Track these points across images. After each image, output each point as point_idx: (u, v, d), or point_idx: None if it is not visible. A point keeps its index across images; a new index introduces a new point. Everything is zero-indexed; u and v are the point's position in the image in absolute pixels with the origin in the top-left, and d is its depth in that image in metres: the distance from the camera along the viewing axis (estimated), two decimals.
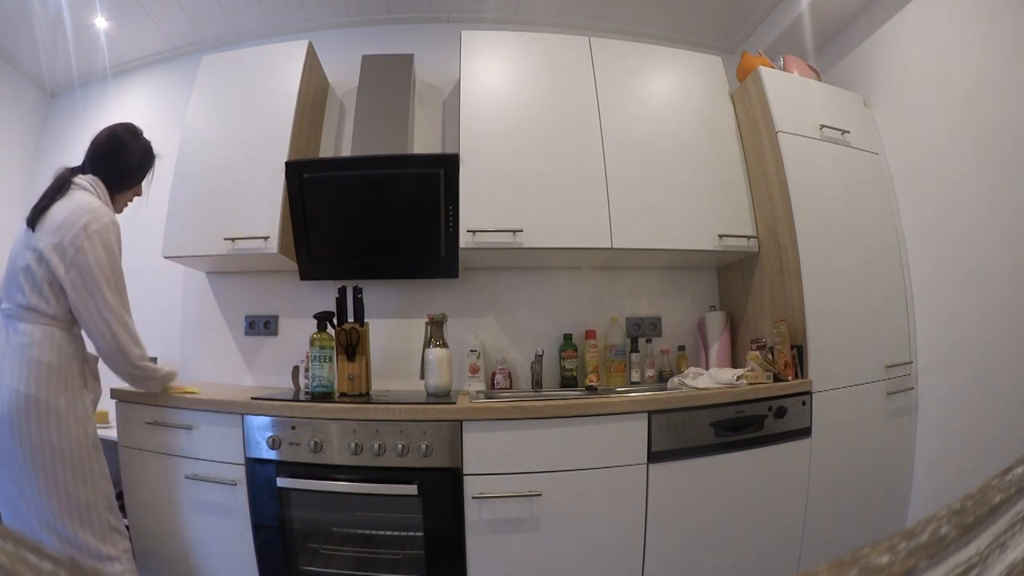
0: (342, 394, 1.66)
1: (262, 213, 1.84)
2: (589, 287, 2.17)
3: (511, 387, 1.99)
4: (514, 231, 1.77)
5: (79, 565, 0.21)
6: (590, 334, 2.04)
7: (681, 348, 2.12)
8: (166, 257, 1.90)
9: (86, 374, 1.32)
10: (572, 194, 1.84)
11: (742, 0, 2.26)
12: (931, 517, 0.25)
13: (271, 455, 1.42)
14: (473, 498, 1.38)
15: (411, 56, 2.12)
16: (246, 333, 2.15)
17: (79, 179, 1.36)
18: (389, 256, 1.94)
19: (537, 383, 1.97)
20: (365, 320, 1.76)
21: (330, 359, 1.66)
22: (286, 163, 1.81)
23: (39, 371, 1.21)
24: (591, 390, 1.90)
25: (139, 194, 1.53)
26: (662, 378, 2.03)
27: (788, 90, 1.93)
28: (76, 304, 1.26)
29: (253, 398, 1.52)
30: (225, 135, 1.95)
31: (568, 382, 2.01)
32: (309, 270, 1.95)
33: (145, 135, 1.52)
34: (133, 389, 1.49)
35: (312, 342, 1.65)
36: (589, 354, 2.02)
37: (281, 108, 1.93)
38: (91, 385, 1.33)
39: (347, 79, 2.26)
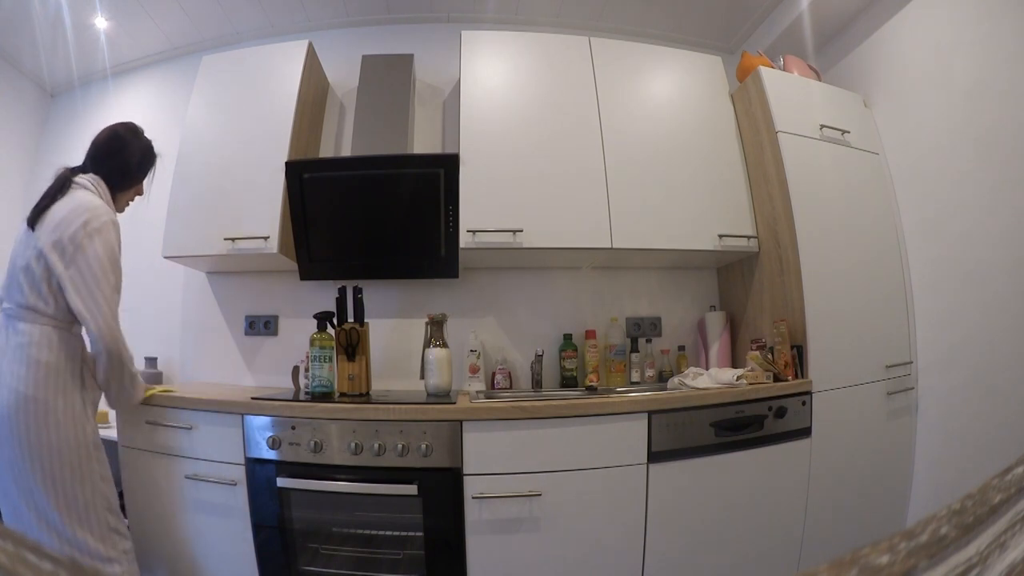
0: (342, 394, 1.66)
1: (262, 213, 1.84)
2: (589, 287, 2.17)
3: (511, 387, 1.99)
4: (514, 231, 1.77)
5: (79, 565, 0.21)
6: (590, 334, 2.04)
7: (681, 348, 2.12)
8: (166, 257, 1.90)
9: (85, 374, 1.31)
10: (572, 194, 1.84)
11: (742, 0, 2.26)
12: (931, 517, 0.25)
13: (271, 455, 1.42)
14: (473, 498, 1.38)
15: (411, 56, 2.12)
16: (246, 333, 2.15)
17: (80, 178, 1.35)
18: (389, 256, 1.94)
19: (537, 383, 1.97)
20: (365, 320, 1.76)
21: (330, 359, 1.66)
22: (286, 163, 1.81)
23: (38, 371, 1.21)
24: (591, 390, 1.90)
25: (140, 193, 1.53)
26: (662, 378, 2.03)
27: (788, 90, 1.93)
28: (75, 301, 1.24)
29: (253, 398, 1.52)
30: (225, 135, 1.95)
31: (568, 382, 2.01)
32: (309, 270, 1.95)
33: (146, 134, 1.52)
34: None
35: (312, 342, 1.65)
36: (589, 354, 2.02)
37: (281, 108, 1.93)
38: (90, 385, 1.33)
39: (347, 79, 2.26)
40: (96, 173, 1.39)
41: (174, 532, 1.50)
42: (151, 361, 2.07)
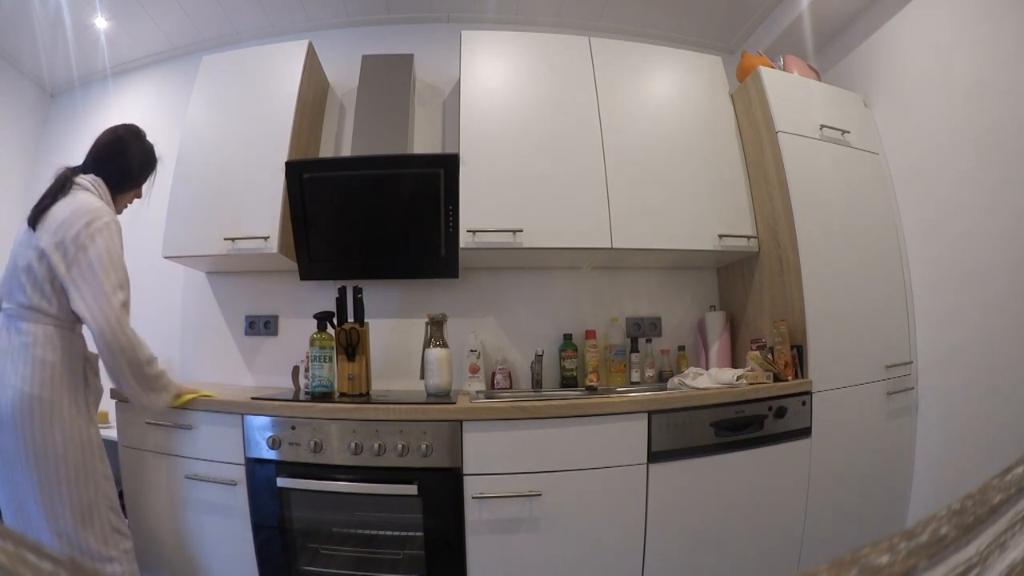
0: (342, 394, 1.66)
1: (262, 213, 1.84)
2: (589, 287, 2.17)
3: (511, 387, 1.99)
4: (514, 231, 1.77)
5: (79, 565, 0.21)
6: (590, 334, 2.04)
7: (681, 348, 2.12)
8: (166, 257, 1.90)
9: (88, 373, 1.32)
10: (572, 194, 1.84)
11: (742, 0, 2.26)
12: (931, 517, 0.25)
13: (271, 455, 1.42)
14: (473, 498, 1.38)
15: (411, 56, 2.12)
16: (246, 333, 2.15)
17: (81, 179, 1.35)
18: (389, 256, 1.94)
19: (537, 383, 1.97)
20: (365, 320, 1.76)
21: (330, 359, 1.66)
22: (286, 163, 1.81)
23: (43, 371, 1.21)
24: (591, 390, 1.90)
25: (139, 196, 1.53)
26: (662, 378, 2.03)
27: (788, 90, 1.93)
28: (78, 303, 1.24)
29: (253, 398, 1.52)
30: (225, 135, 1.95)
31: (568, 382, 2.01)
32: (309, 270, 1.95)
33: (148, 138, 1.51)
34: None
35: (312, 342, 1.65)
36: (589, 354, 2.02)
37: (281, 108, 1.93)
38: (93, 384, 1.33)
39: (347, 79, 2.26)
40: (97, 174, 1.39)
41: (174, 532, 1.50)
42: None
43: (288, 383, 1.92)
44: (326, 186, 1.83)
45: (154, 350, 2.10)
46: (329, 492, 1.41)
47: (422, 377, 1.76)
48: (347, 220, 1.89)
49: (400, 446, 1.38)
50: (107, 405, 1.58)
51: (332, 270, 1.99)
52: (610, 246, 1.82)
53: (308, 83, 2.03)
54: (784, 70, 2.03)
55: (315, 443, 1.40)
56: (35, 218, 1.28)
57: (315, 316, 1.71)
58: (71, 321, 1.28)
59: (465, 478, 1.39)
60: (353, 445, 1.39)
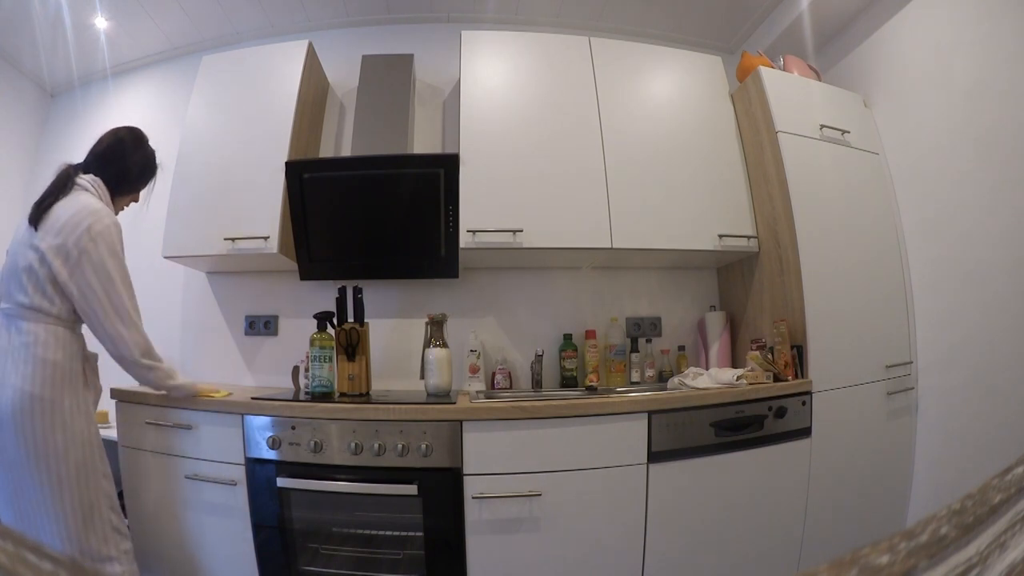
0: (342, 394, 1.66)
1: (262, 213, 1.84)
2: (589, 287, 2.17)
3: (511, 387, 1.99)
4: (514, 231, 1.77)
5: (79, 565, 0.21)
6: (590, 334, 2.04)
7: (681, 348, 2.12)
8: (166, 257, 1.90)
9: (87, 372, 1.32)
10: (572, 194, 1.84)
11: (742, 0, 2.26)
12: (931, 517, 0.25)
13: (271, 455, 1.42)
14: (473, 498, 1.38)
15: (411, 56, 2.12)
16: (246, 333, 2.15)
17: (81, 179, 1.35)
18: (389, 256, 1.94)
19: (537, 383, 1.97)
20: (365, 320, 1.76)
21: (330, 359, 1.66)
22: (286, 163, 1.81)
23: (44, 370, 1.21)
24: (591, 390, 1.90)
25: (136, 201, 1.53)
26: (662, 378, 2.03)
27: (788, 90, 1.93)
28: (82, 308, 1.26)
29: (253, 398, 1.52)
30: (225, 135, 1.95)
31: (568, 382, 2.01)
32: (309, 270, 1.95)
33: (150, 143, 1.51)
34: (139, 389, 1.48)
35: (312, 342, 1.65)
36: (589, 354, 2.02)
37: (281, 108, 1.93)
38: (92, 383, 1.33)
39: (347, 79, 2.26)
40: (97, 174, 1.39)
41: (174, 532, 1.50)
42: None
43: (288, 383, 1.92)
44: (326, 186, 1.83)
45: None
46: (329, 492, 1.41)
47: (422, 377, 1.76)
48: (347, 220, 1.89)
49: (400, 446, 1.38)
50: (107, 405, 1.58)
51: (332, 270, 1.99)
52: (610, 246, 1.82)
53: (308, 83, 2.03)
54: (784, 70, 2.03)
55: (315, 443, 1.40)
56: (36, 217, 1.28)
57: (315, 316, 1.71)
58: (71, 320, 1.28)
59: (465, 478, 1.39)
60: (353, 445, 1.39)
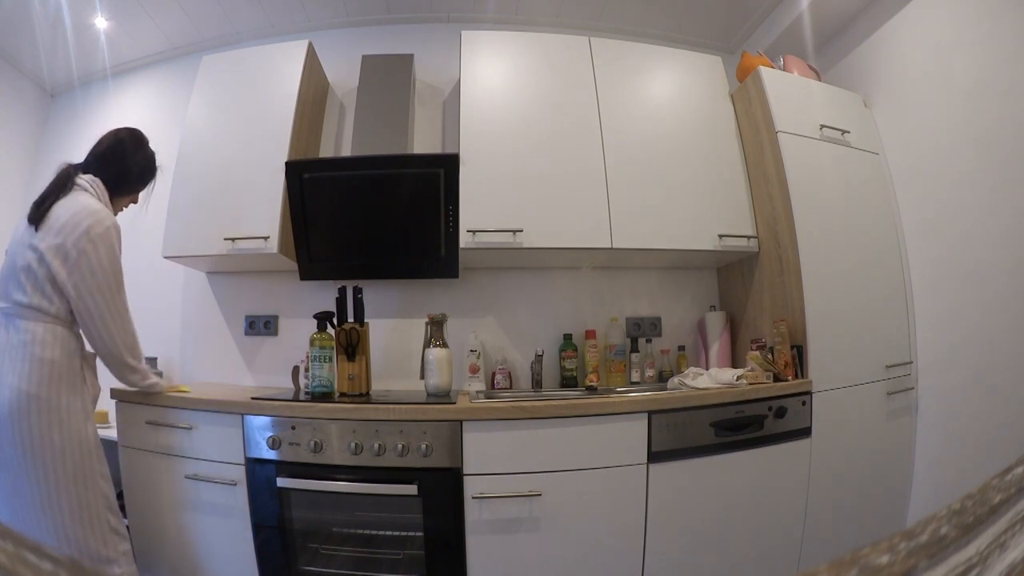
0: (342, 394, 1.66)
1: (262, 213, 1.84)
2: (589, 287, 2.17)
3: (511, 387, 1.99)
4: (514, 231, 1.77)
5: (79, 565, 0.21)
6: (590, 334, 2.04)
7: (681, 348, 2.12)
8: (166, 257, 1.90)
9: (85, 372, 1.32)
10: (572, 194, 1.84)
11: (742, 0, 2.26)
12: (931, 517, 0.25)
13: (271, 455, 1.42)
14: (473, 498, 1.38)
15: (411, 56, 2.12)
16: (246, 333, 2.15)
17: (80, 179, 1.35)
18: (389, 256, 1.94)
19: (537, 383, 1.97)
20: (365, 320, 1.76)
21: (330, 359, 1.66)
22: (286, 163, 1.81)
23: (42, 369, 1.21)
24: (591, 390, 1.90)
25: (135, 202, 1.53)
26: (662, 378, 2.03)
27: (788, 90, 1.93)
28: (78, 307, 1.26)
29: (253, 398, 1.52)
30: (225, 135, 1.95)
31: (568, 382, 2.01)
32: (309, 270, 1.95)
33: (150, 145, 1.52)
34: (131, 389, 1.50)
35: (312, 342, 1.65)
36: (589, 354, 2.02)
37: (281, 108, 1.93)
38: (91, 382, 1.33)
39: (347, 79, 2.26)
40: (96, 174, 1.39)
41: (174, 532, 1.50)
42: (151, 361, 2.07)
43: (288, 383, 1.92)
44: (326, 186, 1.83)
45: (154, 350, 2.14)
46: (329, 492, 1.41)
47: (422, 377, 1.76)
48: (347, 220, 1.89)
49: (400, 446, 1.38)
50: (107, 405, 1.58)
51: (332, 270, 1.99)
52: (610, 246, 1.82)
53: (308, 83, 2.03)
54: (784, 70, 2.03)
55: (315, 443, 1.40)
56: (35, 215, 1.28)
57: (315, 316, 1.71)
58: (70, 320, 1.29)
59: (465, 478, 1.39)
60: (353, 445, 1.39)
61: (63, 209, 1.28)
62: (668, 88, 2.04)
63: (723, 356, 2.00)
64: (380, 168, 1.82)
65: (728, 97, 2.07)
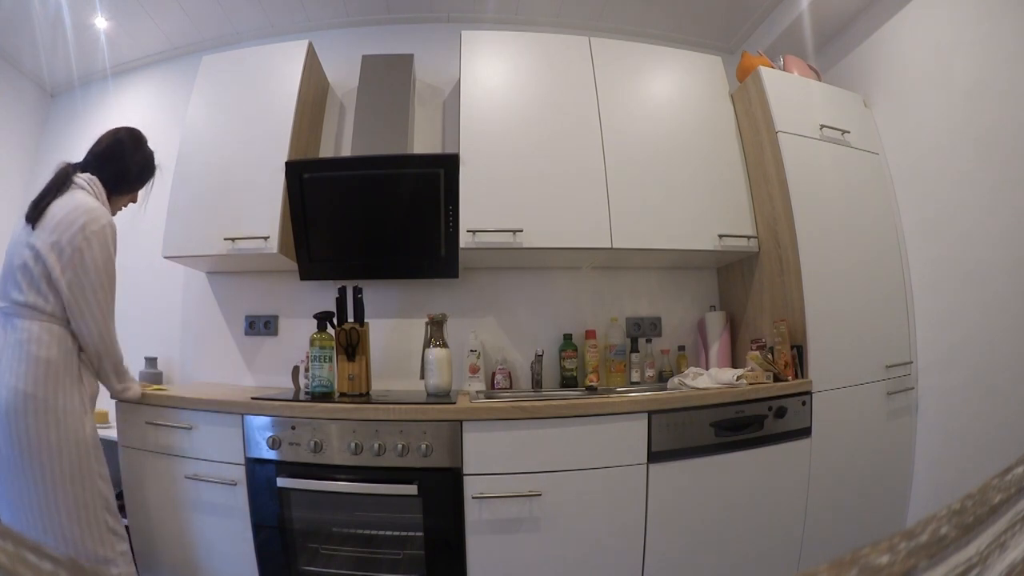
0: (342, 394, 1.66)
1: (262, 213, 1.84)
2: (589, 287, 2.17)
3: (511, 387, 1.99)
4: (514, 231, 1.77)
5: (79, 565, 0.21)
6: (590, 334, 2.04)
7: (681, 348, 2.12)
8: (166, 257, 1.90)
9: (83, 371, 1.31)
10: (572, 194, 1.84)
11: (742, 0, 2.26)
12: (931, 517, 0.25)
13: (271, 455, 1.42)
14: (473, 498, 1.38)
15: (411, 56, 2.12)
16: (246, 333, 2.15)
17: (78, 178, 1.35)
18: (389, 256, 1.94)
19: (537, 383, 1.97)
20: (365, 320, 1.76)
21: (330, 359, 1.66)
22: (286, 163, 1.81)
23: (38, 368, 1.21)
24: (591, 390, 1.90)
25: (134, 201, 1.53)
26: (662, 378, 2.03)
27: (788, 90, 1.93)
28: (69, 304, 1.26)
29: (253, 398, 1.52)
30: (225, 135, 1.95)
31: (568, 382, 2.01)
32: (309, 270, 1.95)
33: (149, 145, 1.52)
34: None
35: (312, 342, 1.65)
36: (589, 354, 2.02)
37: (281, 108, 1.93)
38: (87, 381, 1.33)
39: (347, 79, 2.26)
40: (95, 174, 1.39)
41: (174, 532, 1.50)
42: (151, 361, 2.07)
43: (288, 383, 1.92)
44: (326, 186, 1.83)
45: (154, 350, 2.14)
46: (329, 492, 1.41)
47: (422, 377, 1.76)
48: (347, 220, 1.89)
49: (400, 446, 1.38)
50: (107, 405, 1.58)
51: (332, 270, 1.99)
52: (610, 246, 1.82)
53: (308, 83, 2.03)
54: (784, 70, 2.03)
55: (315, 443, 1.40)
56: (32, 214, 1.28)
57: (315, 316, 1.71)
58: (66, 318, 1.28)
59: (465, 478, 1.39)
60: (353, 445, 1.39)
61: (59, 207, 1.28)
62: (668, 88, 2.04)
63: (723, 356, 2.00)
64: (380, 168, 1.82)
65: (728, 97, 2.07)
